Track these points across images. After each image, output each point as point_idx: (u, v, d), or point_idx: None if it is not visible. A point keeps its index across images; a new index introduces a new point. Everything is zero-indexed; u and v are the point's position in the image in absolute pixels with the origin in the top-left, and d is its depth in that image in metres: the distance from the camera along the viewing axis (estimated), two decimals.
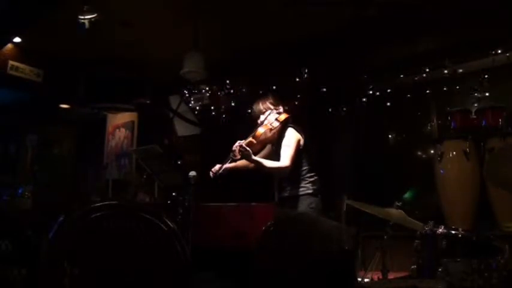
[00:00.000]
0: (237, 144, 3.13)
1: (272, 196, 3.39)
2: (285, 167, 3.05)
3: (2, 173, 5.97)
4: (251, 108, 3.47)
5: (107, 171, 6.75)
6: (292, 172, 3.11)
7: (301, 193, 3.10)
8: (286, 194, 3.19)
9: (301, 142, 3.18)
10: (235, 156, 3.13)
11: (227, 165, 3.22)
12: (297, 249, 2.49)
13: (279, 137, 3.22)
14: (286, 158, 3.07)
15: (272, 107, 3.32)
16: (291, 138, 3.14)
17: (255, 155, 3.14)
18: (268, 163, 3.11)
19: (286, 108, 3.35)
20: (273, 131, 3.22)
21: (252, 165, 3.27)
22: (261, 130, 3.19)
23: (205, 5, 4.34)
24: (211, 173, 3.31)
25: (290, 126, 3.21)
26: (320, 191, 3.18)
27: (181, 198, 3.62)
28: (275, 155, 3.23)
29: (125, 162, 6.70)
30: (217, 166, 3.28)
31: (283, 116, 3.25)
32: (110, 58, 5.36)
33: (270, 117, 3.26)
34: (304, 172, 3.16)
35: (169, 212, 3.65)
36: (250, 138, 3.16)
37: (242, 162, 3.31)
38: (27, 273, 2.88)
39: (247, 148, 3.05)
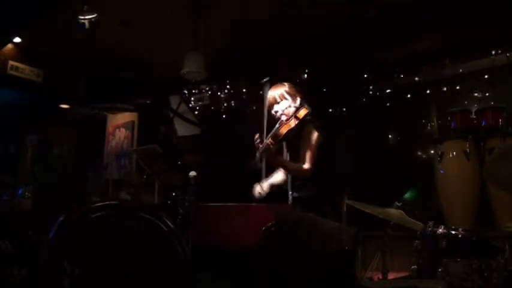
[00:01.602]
0: (256, 138, 2.93)
1: (273, 196, 3.37)
2: (308, 169, 2.88)
3: (2, 173, 5.96)
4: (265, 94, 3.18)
5: (107, 171, 6.75)
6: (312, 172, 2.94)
7: (314, 195, 2.99)
8: (301, 195, 3.07)
9: (320, 140, 2.97)
10: (260, 160, 2.95)
11: (272, 181, 3.12)
12: (297, 249, 2.49)
13: (295, 134, 2.99)
14: (308, 160, 2.88)
15: (289, 97, 3.05)
16: (313, 138, 2.93)
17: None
18: (291, 165, 2.96)
19: (303, 98, 3.05)
20: (293, 130, 2.96)
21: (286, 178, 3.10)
22: (282, 130, 2.94)
23: (205, 5, 4.34)
24: (258, 194, 3.16)
25: (310, 124, 2.98)
26: (332, 193, 3.08)
27: (181, 198, 3.62)
28: (288, 150, 3.08)
29: (125, 162, 6.70)
30: (265, 187, 3.14)
31: (302, 112, 2.96)
32: (110, 58, 5.36)
33: (288, 112, 3.00)
34: (318, 172, 2.95)
35: (169, 212, 3.64)
36: (270, 140, 2.92)
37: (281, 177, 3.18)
38: (27, 273, 2.88)
39: (271, 146, 2.87)
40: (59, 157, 7.15)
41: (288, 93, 3.07)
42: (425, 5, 4.05)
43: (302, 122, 2.97)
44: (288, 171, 3.03)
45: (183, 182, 3.67)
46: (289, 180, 3.15)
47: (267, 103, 3.15)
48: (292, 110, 3.01)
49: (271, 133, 2.98)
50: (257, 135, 2.96)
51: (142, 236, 1.81)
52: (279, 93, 3.07)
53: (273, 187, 3.19)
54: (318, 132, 2.96)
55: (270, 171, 3.29)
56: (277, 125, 3.01)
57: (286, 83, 3.14)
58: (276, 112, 3.08)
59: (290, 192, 3.11)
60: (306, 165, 2.89)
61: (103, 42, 4.85)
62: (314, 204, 2.95)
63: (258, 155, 2.93)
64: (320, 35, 4.69)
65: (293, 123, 2.96)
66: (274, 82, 3.23)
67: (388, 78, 4.74)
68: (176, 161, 5.54)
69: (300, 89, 3.13)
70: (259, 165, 2.98)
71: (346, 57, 4.79)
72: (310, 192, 2.96)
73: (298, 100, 3.05)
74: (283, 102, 3.06)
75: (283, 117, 3.01)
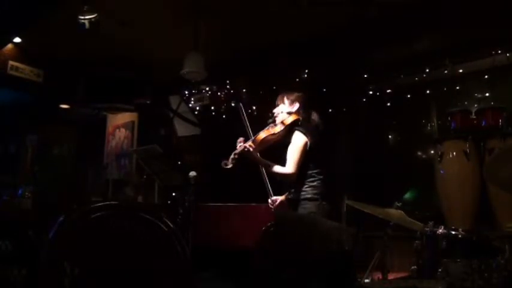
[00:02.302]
0: (239, 141, 3.05)
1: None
2: (291, 173, 2.95)
3: (2, 173, 5.96)
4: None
5: (107, 171, 6.75)
6: (298, 175, 3.01)
7: (301, 197, 3.02)
8: (289, 197, 3.12)
9: (308, 145, 3.03)
10: (226, 164, 3.03)
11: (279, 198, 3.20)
12: (297, 249, 2.49)
13: (284, 139, 3.10)
14: (291, 164, 2.96)
15: (286, 102, 3.17)
16: (298, 143, 3.00)
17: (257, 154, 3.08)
18: (275, 168, 3.02)
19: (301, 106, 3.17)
20: (276, 135, 3.09)
21: None
22: (261, 135, 3.09)
23: (205, 5, 4.34)
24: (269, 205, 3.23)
25: (297, 129, 3.06)
26: (324, 195, 3.09)
27: (181, 198, 3.62)
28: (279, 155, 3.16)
29: (125, 162, 6.70)
30: (277, 200, 3.20)
31: (290, 119, 3.10)
32: (110, 58, 5.36)
33: (279, 117, 3.15)
34: (308, 175, 3.03)
35: (169, 212, 3.65)
36: (250, 142, 3.05)
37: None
38: (27, 273, 2.88)
39: (250, 149, 2.99)
40: (59, 157, 7.15)
41: (288, 98, 3.18)
42: (425, 5, 4.05)
43: (290, 128, 3.06)
44: (272, 174, 3.08)
45: (183, 182, 3.67)
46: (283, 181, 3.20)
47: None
48: (284, 116, 3.13)
49: (254, 137, 3.11)
50: (241, 138, 3.08)
51: (142, 236, 1.81)
52: (281, 100, 3.20)
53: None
54: (306, 137, 3.02)
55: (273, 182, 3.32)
56: (264, 129, 3.13)
57: (297, 92, 3.24)
58: (274, 113, 3.20)
59: (286, 194, 3.17)
60: (289, 170, 2.96)
61: (103, 42, 4.85)
62: (301, 209, 2.97)
63: (232, 155, 3.01)
64: (320, 35, 4.69)
65: (278, 128, 3.07)
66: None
67: (388, 78, 4.74)
68: (176, 161, 5.54)
69: (304, 98, 3.20)
70: (228, 165, 3.03)
71: (346, 57, 4.79)
72: (297, 196, 2.99)
73: (295, 107, 3.14)
74: (280, 105, 3.18)
75: (275, 122, 3.13)
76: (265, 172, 3.19)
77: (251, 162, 3.11)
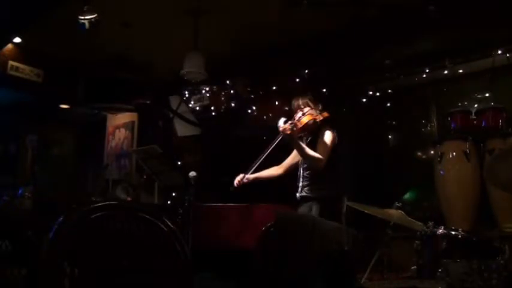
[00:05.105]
0: (281, 122, 3.15)
1: (271, 196, 3.38)
2: (321, 159, 3.09)
3: (2, 173, 5.96)
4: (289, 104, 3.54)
5: (107, 171, 6.75)
6: (322, 172, 3.14)
7: (326, 195, 3.11)
8: (310, 195, 3.17)
9: (335, 142, 3.25)
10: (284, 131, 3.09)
11: (249, 175, 3.40)
12: (297, 249, 2.49)
13: (313, 134, 3.30)
14: (324, 153, 3.12)
15: (311, 104, 3.37)
16: (330, 137, 3.20)
17: None
18: (308, 151, 3.13)
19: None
20: (313, 125, 3.26)
21: (274, 174, 3.49)
22: (305, 119, 3.23)
23: (205, 5, 4.34)
24: (235, 183, 3.42)
25: (328, 128, 3.26)
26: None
27: (181, 198, 3.62)
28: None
29: (125, 162, 6.70)
30: (240, 176, 3.42)
31: (326, 113, 3.34)
32: (110, 58, 5.36)
33: (312, 111, 3.32)
34: (331, 174, 3.16)
35: (169, 212, 3.65)
36: (295, 121, 3.19)
37: (266, 173, 3.51)
38: (27, 273, 2.88)
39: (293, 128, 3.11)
40: (59, 157, 7.15)
41: (311, 100, 3.40)
42: (425, 5, 4.05)
43: (322, 122, 3.28)
44: (303, 155, 3.18)
45: (183, 182, 3.67)
46: (301, 179, 3.25)
47: (293, 107, 3.44)
48: (316, 111, 3.33)
49: (295, 118, 3.24)
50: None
51: (142, 236, 1.81)
52: (302, 101, 3.39)
53: (256, 179, 3.47)
54: (334, 134, 3.25)
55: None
56: (300, 114, 3.28)
57: (309, 93, 3.48)
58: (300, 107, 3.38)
59: (299, 190, 3.22)
60: (320, 156, 3.11)
61: (103, 42, 4.85)
62: (324, 207, 3.00)
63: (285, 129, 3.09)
64: (320, 35, 4.69)
65: (318, 117, 3.27)
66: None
67: (388, 78, 4.74)
68: (176, 161, 5.54)
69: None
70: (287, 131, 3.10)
71: (346, 57, 4.79)
72: (323, 194, 3.05)
73: (320, 106, 3.41)
74: (307, 108, 3.34)
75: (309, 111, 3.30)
76: (298, 151, 3.24)
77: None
